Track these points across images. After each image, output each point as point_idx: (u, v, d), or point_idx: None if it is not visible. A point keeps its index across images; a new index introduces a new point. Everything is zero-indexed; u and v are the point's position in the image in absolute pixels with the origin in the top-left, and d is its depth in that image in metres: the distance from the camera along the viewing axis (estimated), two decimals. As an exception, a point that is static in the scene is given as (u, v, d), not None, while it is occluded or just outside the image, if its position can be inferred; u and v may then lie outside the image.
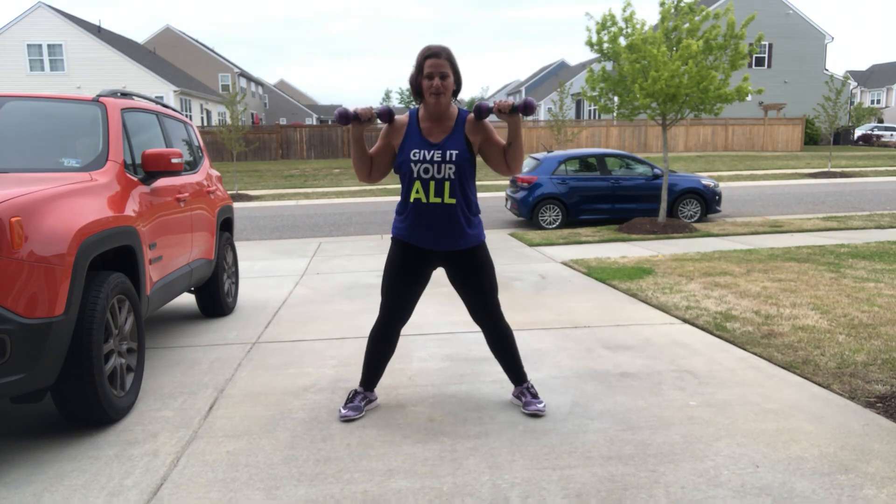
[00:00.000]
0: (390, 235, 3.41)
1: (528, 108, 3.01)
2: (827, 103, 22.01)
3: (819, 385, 3.66)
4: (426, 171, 3.13)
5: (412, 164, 3.14)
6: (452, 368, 4.08)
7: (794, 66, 38.65)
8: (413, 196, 3.18)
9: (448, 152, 3.14)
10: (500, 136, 3.24)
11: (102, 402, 3.13)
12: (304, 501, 2.55)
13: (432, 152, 3.14)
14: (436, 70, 3.05)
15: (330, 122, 59.54)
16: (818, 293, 5.79)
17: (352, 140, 3.21)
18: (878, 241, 8.69)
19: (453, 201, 3.17)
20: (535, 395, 3.42)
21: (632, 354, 4.27)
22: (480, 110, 3.14)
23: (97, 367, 3.08)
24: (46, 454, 2.99)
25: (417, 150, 3.15)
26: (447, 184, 3.15)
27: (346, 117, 3.07)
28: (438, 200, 3.16)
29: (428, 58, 3.07)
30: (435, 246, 3.24)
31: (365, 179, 3.32)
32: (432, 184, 3.15)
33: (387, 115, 3.18)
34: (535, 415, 3.31)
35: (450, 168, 3.13)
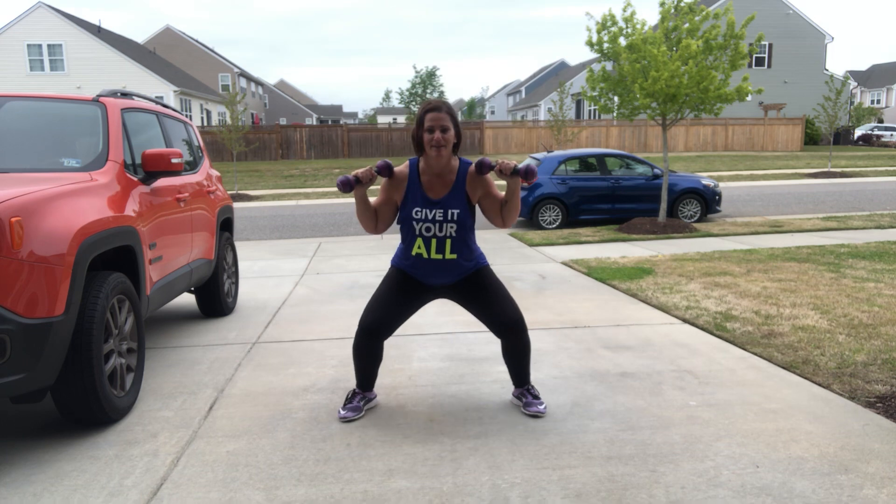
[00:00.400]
0: (391, 265, 3.42)
1: (528, 175, 3.07)
2: (827, 103, 22.02)
3: (819, 385, 3.66)
4: (428, 229, 3.18)
5: (414, 223, 3.18)
6: (452, 368, 4.08)
7: (794, 66, 38.66)
8: (415, 251, 3.23)
9: (450, 211, 3.16)
10: (498, 191, 3.29)
11: (102, 402, 3.13)
12: (304, 501, 2.55)
13: (434, 211, 3.17)
14: (436, 123, 3.06)
15: (331, 122, 59.50)
16: (818, 293, 5.79)
17: (356, 200, 3.23)
18: (878, 241, 8.70)
19: (454, 257, 3.23)
20: (536, 396, 3.42)
21: (632, 354, 4.27)
22: (482, 166, 3.15)
23: (97, 367, 3.08)
24: (46, 454, 2.99)
25: (419, 209, 3.17)
26: (448, 241, 3.19)
27: (348, 184, 3.10)
28: (439, 257, 3.21)
29: (428, 112, 3.10)
30: (436, 282, 3.31)
31: (371, 232, 3.34)
32: (434, 241, 3.19)
33: (386, 170, 3.18)
34: (536, 416, 3.31)
35: (451, 227, 3.18)
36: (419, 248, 3.22)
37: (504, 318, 3.26)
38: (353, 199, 17.85)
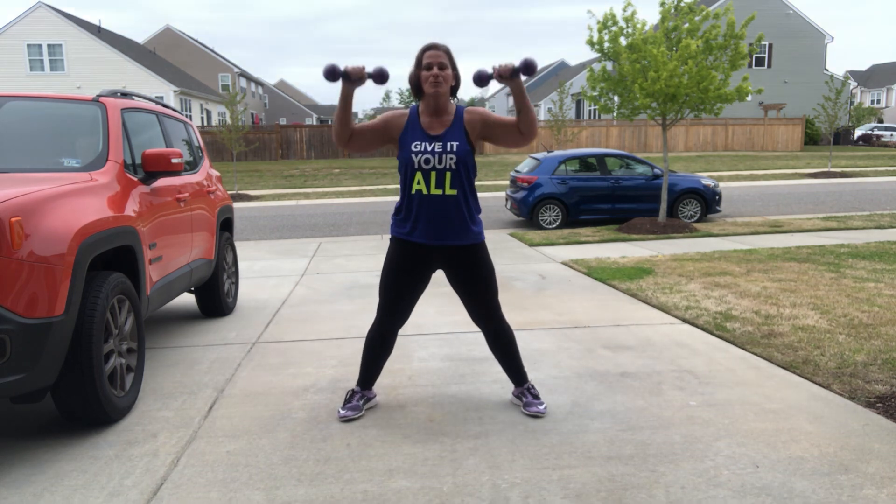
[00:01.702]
0: (389, 237, 3.39)
1: (528, 68, 2.94)
2: (827, 103, 22.01)
3: (819, 385, 3.66)
4: (427, 161, 3.15)
5: (413, 156, 3.16)
6: (452, 368, 4.08)
7: (794, 66, 38.65)
8: (414, 188, 3.19)
9: (449, 143, 3.17)
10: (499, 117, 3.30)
11: (102, 402, 3.13)
12: (304, 501, 2.55)
13: (433, 144, 3.17)
14: (434, 60, 3.09)
15: (331, 122, 59.50)
16: (818, 293, 5.79)
17: (340, 98, 3.12)
18: (878, 241, 8.69)
19: (454, 192, 3.18)
20: (535, 396, 3.42)
21: (632, 354, 4.27)
22: (480, 78, 3.10)
23: (97, 367, 3.08)
24: (46, 454, 2.99)
25: (418, 143, 3.17)
26: (448, 174, 3.16)
27: (333, 73, 2.95)
28: (440, 192, 3.17)
29: (427, 50, 3.13)
30: (435, 240, 3.22)
31: (342, 144, 3.23)
32: (433, 174, 3.16)
33: (379, 76, 3.06)
34: (536, 416, 3.31)
35: (450, 158, 3.15)
36: (419, 183, 3.17)
37: (481, 307, 3.34)
38: (352, 199, 17.89)
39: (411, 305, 3.35)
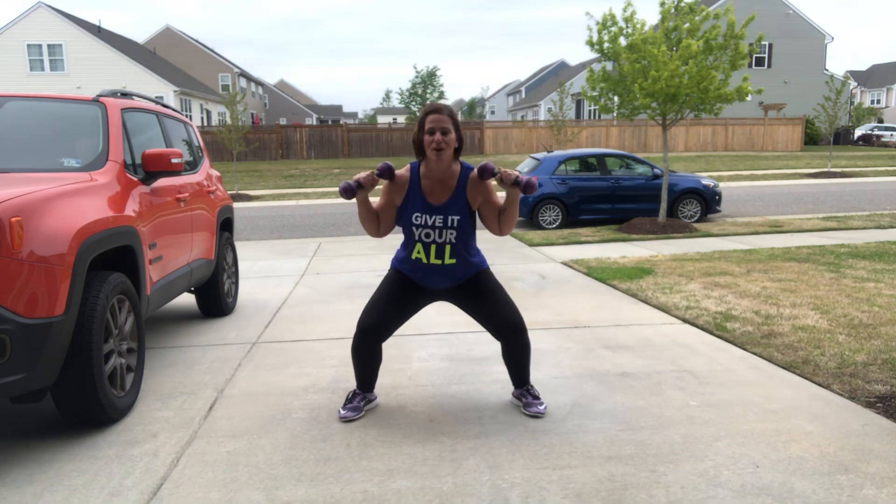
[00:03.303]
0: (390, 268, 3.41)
1: (528, 188, 3.05)
2: (827, 103, 22.01)
3: (819, 385, 3.66)
4: (427, 235, 3.16)
5: (413, 228, 3.17)
6: (452, 368, 4.08)
7: (794, 66, 38.66)
8: (414, 255, 3.22)
9: (450, 218, 3.14)
10: (498, 199, 3.28)
11: (102, 402, 3.13)
12: (304, 501, 2.55)
13: (434, 217, 3.14)
14: (437, 125, 3.03)
15: (331, 122, 59.49)
16: (818, 293, 5.79)
17: (358, 204, 3.19)
18: (878, 241, 8.69)
19: (453, 262, 3.22)
20: (536, 397, 3.42)
21: (632, 354, 4.27)
22: (484, 171, 3.12)
23: (97, 367, 3.08)
24: (46, 454, 2.99)
25: (419, 215, 3.15)
26: (448, 247, 3.18)
27: (351, 190, 3.07)
28: (438, 262, 3.20)
29: (429, 114, 3.07)
30: (436, 286, 3.30)
31: (374, 235, 3.30)
32: (433, 247, 3.17)
33: (387, 172, 3.15)
34: (536, 416, 3.31)
35: (451, 233, 3.16)
36: (418, 252, 3.21)
37: (504, 322, 3.26)
38: (351, 200, 17.87)
39: (396, 326, 3.31)
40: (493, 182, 3.21)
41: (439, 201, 3.16)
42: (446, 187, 3.16)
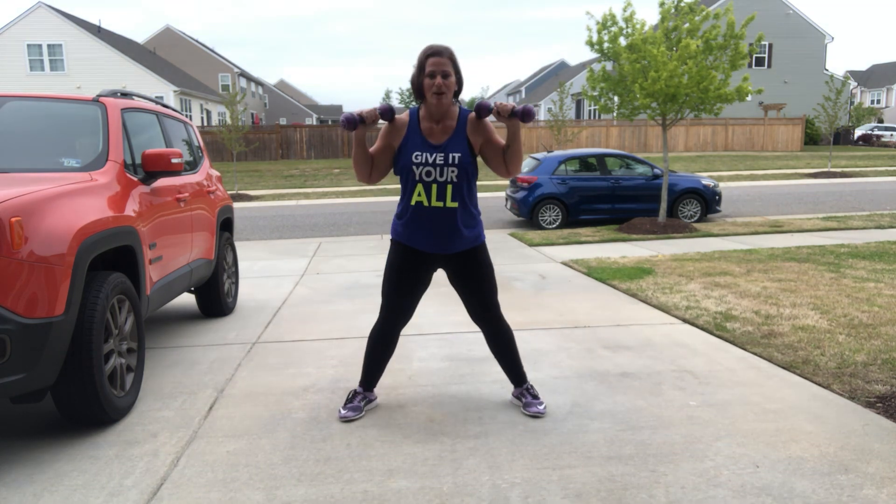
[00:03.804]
0: (390, 237, 3.38)
1: (526, 115, 3.01)
2: (827, 103, 22.01)
3: (819, 385, 3.66)
4: (428, 174, 3.11)
5: (413, 167, 3.11)
6: (452, 368, 4.08)
7: (794, 66, 38.65)
8: (415, 199, 3.15)
9: (451, 155, 3.11)
10: (500, 137, 3.23)
11: (102, 402, 3.13)
12: (304, 501, 2.55)
13: (434, 155, 3.11)
14: (438, 68, 3.01)
15: (331, 122, 59.51)
16: (818, 293, 5.79)
17: (354, 141, 3.17)
18: (878, 241, 8.69)
19: (455, 205, 3.15)
20: (535, 396, 3.42)
21: (632, 354, 4.27)
22: (481, 109, 3.12)
23: (97, 367, 3.08)
24: (46, 454, 2.99)
25: (419, 153, 3.11)
26: (449, 187, 3.12)
27: (353, 122, 3.05)
28: (440, 204, 3.14)
29: (430, 56, 3.04)
30: (434, 249, 3.23)
31: (365, 180, 3.27)
32: (434, 187, 3.12)
33: (388, 112, 3.15)
34: (536, 416, 3.31)
35: (452, 171, 3.11)
36: (419, 195, 3.14)
37: (480, 306, 3.32)
38: (352, 199, 17.89)
39: (414, 305, 3.35)
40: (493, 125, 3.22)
41: (439, 141, 3.14)
42: (446, 129, 3.15)
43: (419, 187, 3.13)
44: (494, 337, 3.40)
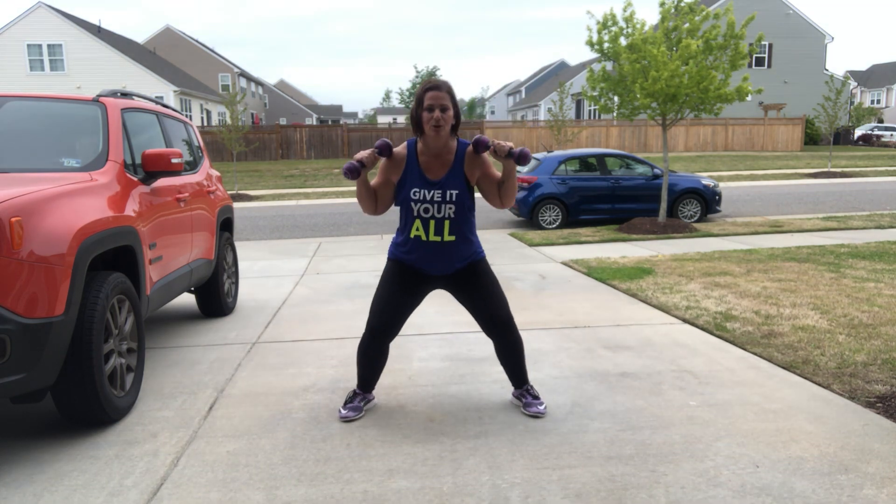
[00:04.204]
0: (388, 236, 3.39)
1: (521, 159, 3.06)
2: (827, 103, 22.00)
3: (819, 385, 3.66)
4: (426, 210, 3.14)
5: (412, 204, 3.15)
6: (452, 368, 4.08)
7: (794, 66, 38.65)
8: (413, 233, 3.20)
9: (448, 192, 3.13)
10: (497, 171, 3.26)
11: (102, 402, 3.13)
12: (304, 501, 2.55)
13: (432, 192, 3.13)
14: (436, 102, 3.03)
15: (331, 122, 59.50)
16: (818, 293, 5.79)
17: (357, 183, 3.18)
18: (878, 241, 8.69)
19: (452, 238, 3.20)
20: (535, 397, 3.42)
21: (632, 354, 4.27)
22: (478, 144, 3.13)
23: (97, 367, 3.08)
24: (46, 454, 2.99)
25: (417, 189, 3.14)
26: (447, 223, 3.16)
27: (355, 170, 3.05)
28: (438, 239, 3.18)
29: (428, 90, 3.06)
30: (436, 272, 3.27)
31: (371, 213, 3.29)
32: (432, 223, 3.15)
33: (386, 150, 3.14)
34: (536, 416, 3.31)
35: (450, 208, 3.15)
36: (417, 229, 3.18)
37: (495, 316, 3.29)
38: (352, 199, 17.88)
39: (402, 322, 3.33)
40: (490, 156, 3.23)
41: (437, 177, 3.15)
42: (444, 163, 3.16)
43: (417, 223, 3.17)
44: (510, 346, 3.36)
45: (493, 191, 3.25)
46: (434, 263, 3.25)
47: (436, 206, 3.14)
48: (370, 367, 3.37)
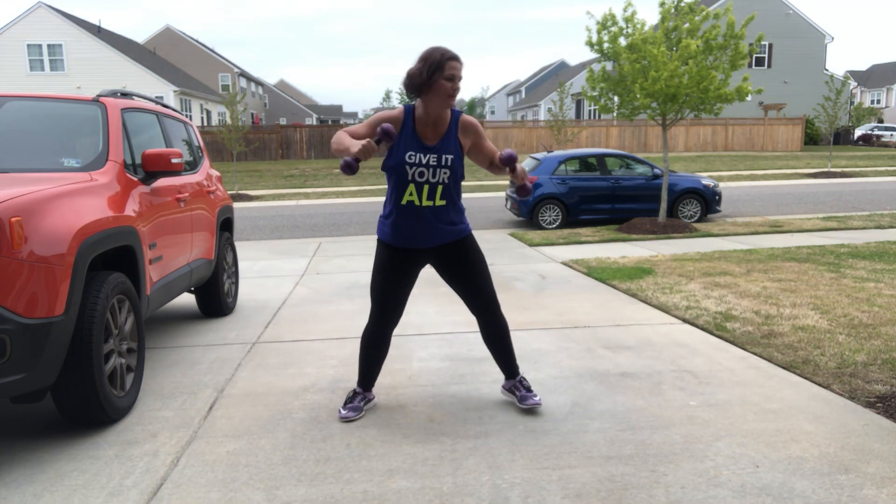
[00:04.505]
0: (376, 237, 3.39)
1: (521, 191, 3.24)
2: (827, 103, 22.00)
3: (819, 385, 3.66)
4: (421, 174, 3.13)
5: (407, 167, 3.13)
6: (452, 368, 4.08)
7: (794, 66, 38.66)
8: (406, 199, 3.17)
9: (444, 157, 3.14)
10: (491, 144, 3.32)
11: (102, 402, 3.13)
12: (304, 501, 2.55)
13: (428, 156, 3.13)
14: (458, 73, 3.06)
15: (331, 122, 59.42)
16: (818, 293, 5.79)
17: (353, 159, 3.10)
18: (878, 241, 8.69)
19: (444, 203, 3.21)
20: (528, 389, 3.43)
21: (632, 354, 4.27)
22: (506, 159, 3.19)
23: (97, 367, 3.08)
24: (46, 454, 2.99)
25: (413, 153, 3.12)
26: (440, 188, 3.17)
27: (352, 166, 2.97)
28: (430, 203, 3.18)
29: (451, 59, 3.06)
30: (422, 244, 3.25)
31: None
32: (426, 187, 3.15)
33: (387, 136, 3.05)
34: (533, 409, 3.32)
35: (444, 173, 3.15)
36: (411, 194, 3.15)
37: (481, 292, 3.34)
38: (352, 199, 17.89)
39: (403, 303, 3.36)
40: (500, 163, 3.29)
41: (432, 142, 3.17)
42: (438, 130, 3.18)
43: (411, 187, 3.15)
44: (496, 329, 3.41)
45: (485, 163, 3.34)
46: (421, 234, 3.22)
47: (431, 170, 3.13)
48: (373, 357, 3.39)
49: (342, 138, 3.03)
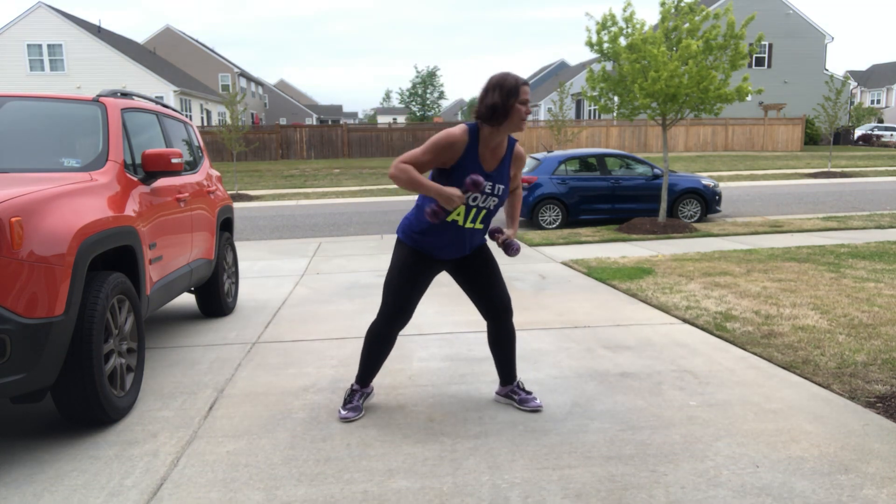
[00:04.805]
0: (396, 236, 3.36)
1: (509, 249, 3.24)
2: (827, 103, 22.00)
3: (819, 385, 3.66)
4: (474, 199, 3.13)
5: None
6: (452, 368, 4.08)
7: (794, 66, 38.65)
8: (451, 217, 3.14)
9: (497, 186, 3.15)
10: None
11: (102, 402, 3.13)
12: (304, 501, 2.55)
13: (485, 183, 3.10)
14: (528, 98, 3.05)
15: (331, 122, 59.47)
16: (818, 293, 5.79)
17: (425, 189, 3.03)
18: (878, 241, 8.69)
19: (481, 227, 3.25)
20: (528, 392, 3.44)
21: (632, 354, 4.27)
22: (509, 248, 3.23)
23: (97, 367, 3.08)
24: (46, 454, 2.99)
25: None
26: (484, 212, 3.19)
27: (439, 215, 2.98)
28: (472, 225, 3.21)
29: (524, 84, 3.05)
30: (447, 256, 3.28)
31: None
32: (473, 211, 3.16)
33: (477, 188, 2.99)
34: (535, 410, 3.33)
35: (493, 200, 3.17)
36: (458, 214, 3.14)
37: (498, 299, 3.35)
38: (352, 199, 17.89)
39: (415, 306, 3.36)
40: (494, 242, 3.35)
41: (490, 168, 3.16)
42: (497, 155, 3.16)
43: (461, 208, 3.13)
44: (504, 333, 3.41)
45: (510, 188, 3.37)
46: (450, 249, 3.24)
47: (483, 196, 3.14)
48: (377, 355, 3.38)
49: (411, 174, 2.98)
